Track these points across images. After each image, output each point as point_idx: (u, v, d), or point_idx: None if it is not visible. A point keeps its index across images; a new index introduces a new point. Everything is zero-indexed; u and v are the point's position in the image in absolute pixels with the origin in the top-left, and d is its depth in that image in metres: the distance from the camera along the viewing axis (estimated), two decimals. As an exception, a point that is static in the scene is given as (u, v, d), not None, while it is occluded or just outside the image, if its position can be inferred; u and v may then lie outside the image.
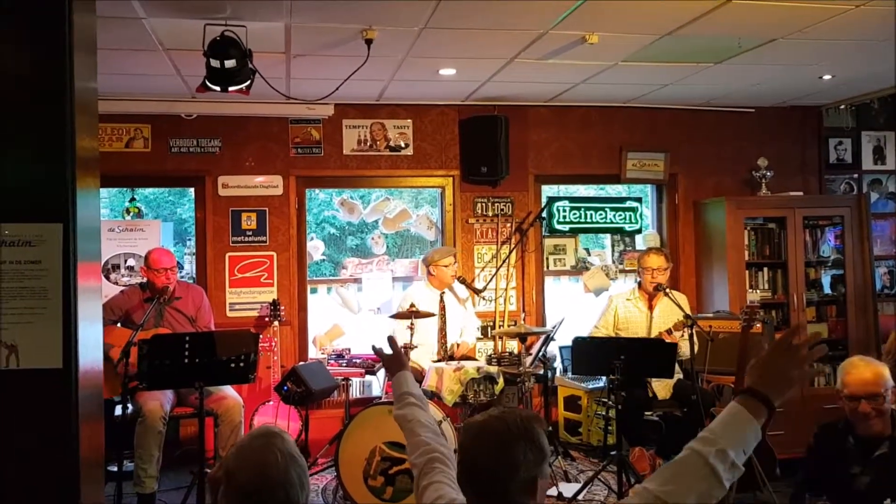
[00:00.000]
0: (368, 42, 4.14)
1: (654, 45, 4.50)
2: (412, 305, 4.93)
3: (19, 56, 1.94)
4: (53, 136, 1.92)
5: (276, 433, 1.82)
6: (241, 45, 3.74)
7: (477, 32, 4.22)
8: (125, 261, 5.69)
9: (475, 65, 4.94)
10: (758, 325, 4.88)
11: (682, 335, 4.90)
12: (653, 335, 5.12)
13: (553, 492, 4.64)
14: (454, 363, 4.90)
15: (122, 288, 5.25)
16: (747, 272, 6.02)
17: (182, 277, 5.09)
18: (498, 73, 5.12)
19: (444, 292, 5.53)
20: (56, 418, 1.89)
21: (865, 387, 3.00)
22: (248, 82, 3.86)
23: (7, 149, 1.92)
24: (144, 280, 4.95)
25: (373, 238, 6.42)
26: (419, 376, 5.03)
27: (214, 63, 3.72)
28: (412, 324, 4.80)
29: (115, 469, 4.27)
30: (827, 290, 6.27)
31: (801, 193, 6.31)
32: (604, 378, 5.23)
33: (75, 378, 1.88)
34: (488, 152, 5.94)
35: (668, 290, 5.10)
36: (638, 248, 6.61)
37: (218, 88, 3.84)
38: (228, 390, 4.77)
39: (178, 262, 5.03)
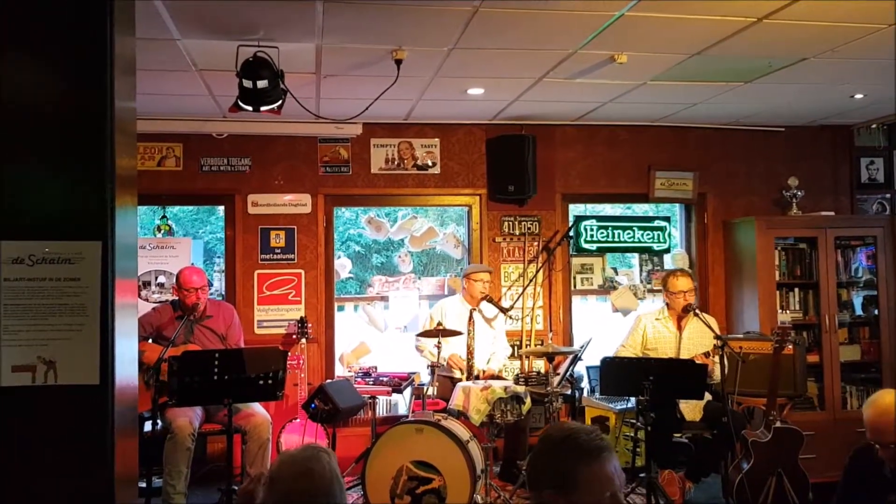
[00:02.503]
0: (398, 62, 4.18)
1: (683, 65, 4.50)
2: (439, 324, 4.92)
3: (61, 76, 1.98)
4: (94, 156, 1.96)
5: (325, 449, 1.86)
6: (274, 65, 3.79)
7: (505, 52, 4.24)
8: (156, 278, 5.76)
9: (503, 84, 4.96)
10: (789, 347, 4.82)
11: (714, 357, 4.83)
12: (682, 356, 5.06)
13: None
14: (481, 382, 4.88)
15: (154, 305, 5.31)
16: (778, 293, 5.94)
17: (211, 295, 5.15)
18: (526, 92, 5.13)
19: (474, 309, 5.52)
20: (92, 435, 1.91)
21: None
22: (280, 102, 3.91)
23: (48, 168, 1.95)
24: (176, 298, 5.00)
25: (399, 256, 6.44)
26: (450, 384, 4.99)
27: (247, 83, 3.78)
28: (439, 342, 4.79)
29: (144, 485, 4.31)
30: (858, 311, 6.17)
31: (832, 213, 6.23)
32: (632, 399, 5.18)
33: (112, 395, 1.90)
34: (515, 171, 5.95)
35: (697, 311, 5.04)
36: (666, 267, 6.55)
37: (250, 108, 3.89)
38: (257, 407, 4.80)
39: (208, 281, 5.08)
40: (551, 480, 1.76)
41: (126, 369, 2.01)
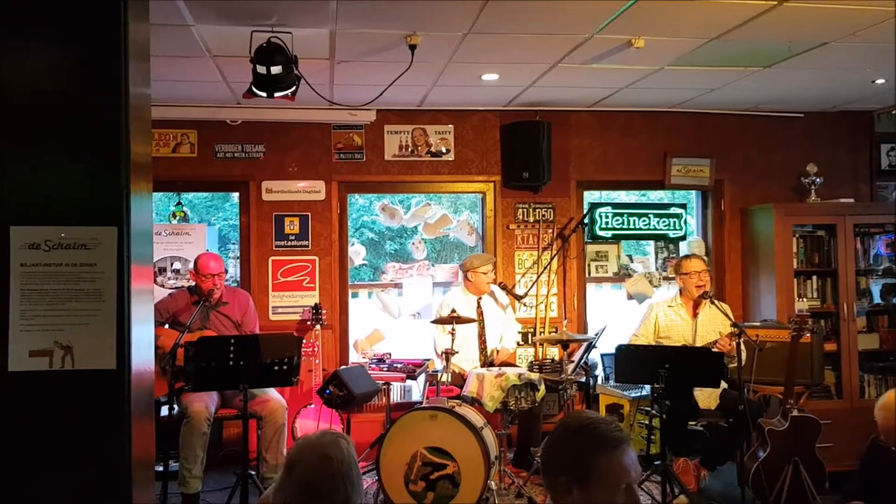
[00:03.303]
0: (412, 48, 4.15)
1: (701, 49, 4.44)
2: (453, 311, 4.92)
3: (75, 63, 1.97)
4: (108, 142, 1.95)
5: (344, 436, 1.86)
6: (288, 51, 3.78)
7: (521, 37, 4.20)
8: (171, 264, 5.79)
9: (518, 70, 4.92)
10: (807, 335, 4.78)
11: (732, 342, 4.79)
12: (697, 344, 5.03)
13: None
14: (495, 369, 4.88)
15: (170, 291, 5.34)
16: (795, 281, 5.89)
17: (226, 281, 5.16)
18: (541, 78, 5.09)
19: (480, 298, 5.51)
20: (109, 419, 1.91)
21: None
22: (294, 88, 3.90)
23: (63, 155, 1.95)
24: (192, 283, 5.02)
25: (413, 243, 6.44)
26: (461, 380, 5.02)
27: (261, 69, 3.77)
28: (453, 329, 4.79)
29: (161, 469, 4.34)
30: (877, 299, 6.10)
31: (851, 200, 6.15)
32: (646, 387, 5.16)
33: (128, 380, 1.91)
34: (530, 158, 5.92)
35: (713, 299, 5.00)
36: (682, 254, 6.50)
37: (264, 94, 3.88)
38: (272, 393, 4.82)
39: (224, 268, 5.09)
40: (566, 467, 1.76)
41: (142, 354, 2.01)
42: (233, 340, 4.26)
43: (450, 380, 4.87)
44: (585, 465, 1.74)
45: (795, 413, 4.52)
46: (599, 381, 5.99)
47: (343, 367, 5.32)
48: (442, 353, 4.86)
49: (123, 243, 1.93)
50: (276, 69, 3.73)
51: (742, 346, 4.74)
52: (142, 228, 2.05)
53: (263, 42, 3.76)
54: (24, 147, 1.93)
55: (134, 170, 1.98)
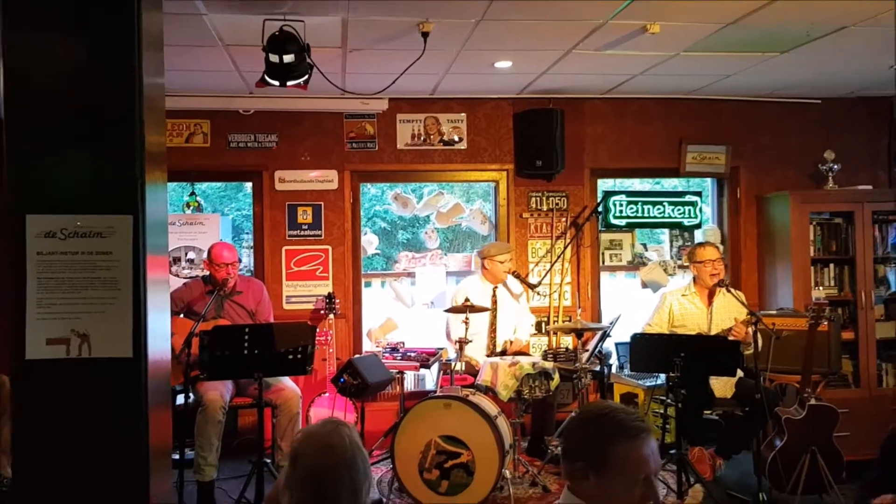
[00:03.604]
0: (425, 35, 4.12)
1: (717, 35, 4.38)
2: (467, 300, 4.91)
3: (89, 53, 1.97)
4: (123, 131, 1.96)
5: (344, 423, 1.85)
6: (300, 39, 3.76)
7: (534, 24, 4.17)
8: (185, 254, 5.80)
9: (531, 57, 4.89)
10: (824, 324, 4.74)
11: (746, 331, 4.76)
12: (713, 332, 4.99)
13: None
14: (509, 358, 4.87)
15: (185, 280, 5.35)
16: (812, 269, 5.83)
17: (240, 271, 5.18)
18: (554, 65, 5.05)
19: (496, 287, 5.50)
20: (126, 407, 1.92)
21: None
22: (306, 77, 3.89)
23: (78, 144, 1.95)
24: (206, 273, 5.04)
25: (426, 232, 6.42)
26: (474, 371, 5.02)
27: (273, 58, 3.76)
28: (467, 318, 4.78)
29: (177, 457, 4.37)
30: (894, 287, 6.04)
31: (869, 187, 6.08)
32: (661, 375, 5.13)
33: (145, 368, 1.91)
34: (543, 146, 5.88)
35: (729, 287, 4.97)
36: (697, 243, 6.45)
37: (277, 83, 3.87)
38: (287, 381, 4.83)
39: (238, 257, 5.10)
40: (584, 453, 1.75)
41: (159, 343, 2.02)
42: (247, 329, 4.28)
43: (464, 369, 4.86)
44: (602, 452, 1.73)
45: (813, 402, 4.48)
46: (613, 370, 5.96)
47: (357, 355, 5.33)
48: (456, 341, 4.86)
49: (139, 232, 1.94)
50: (288, 58, 3.72)
51: (758, 334, 4.71)
52: (157, 218, 2.06)
53: (276, 31, 3.75)
54: (39, 137, 1.94)
55: (149, 159, 1.98)
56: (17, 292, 1.90)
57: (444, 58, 4.80)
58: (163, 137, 2.27)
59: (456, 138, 6.03)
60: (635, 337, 4.73)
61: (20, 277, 1.91)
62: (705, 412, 5.01)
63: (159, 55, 2.17)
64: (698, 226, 6.44)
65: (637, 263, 6.39)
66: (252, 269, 6.00)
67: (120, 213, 1.94)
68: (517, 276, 5.52)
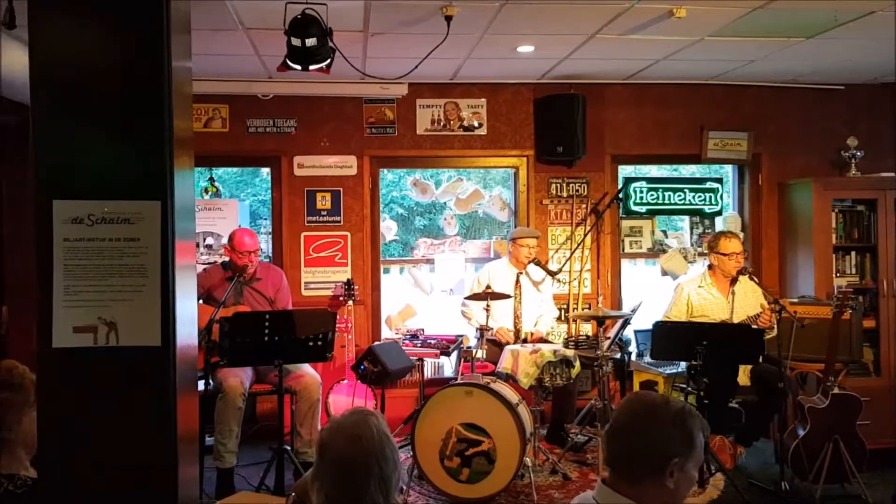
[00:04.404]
0: (448, 19, 4.07)
1: (744, 19, 4.30)
2: (488, 287, 4.88)
3: (119, 38, 1.94)
4: (152, 116, 1.93)
5: (372, 412, 1.83)
6: (322, 23, 3.72)
7: (559, 7, 4.10)
8: (203, 239, 5.80)
9: (554, 41, 4.82)
10: (847, 312, 4.68)
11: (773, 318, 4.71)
12: (736, 321, 4.94)
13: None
14: (529, 346, 4.84)
15: (204, 266, 5.35)
16: (833, 256, 5.76)
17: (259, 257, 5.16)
18: (577, 49, 4.98)
19: (521, 273, 5.46)
20: (154, 396, 1.91)
21: None
22: (329, 61, 3.85)
23: (107, 129, 1.93)
24: (226, 259, 5.02)
25: (445, 219, 6.39)
26: (498, 353, 4.97)
27: (295, 42, 3.72)
28: (487, 305, 4.75)
29: (197, 443, 4.37)
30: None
31: (893, 174, 5.98)
32: (682, 363, 5.09)
33: (173, 357, 1.89)
34: (564, 132, 5.82)
35: (752, 274, 4.91)
36: (718, 230, 6.39)
37: (299, 67, 3.83)
38: (307, 368, 4.83)
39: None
40: (678, 447, 1.74)
41: (187, 330, 2.00)
42: (268, 316, 4.26)
43: (485, 356, 4.84)
44: (693, 442, 1.76)
45: (836, 390, 4.43)
46: (633, 357, 5.93)
47: (377, 342, 5.32)
48: (477, 329, 4.83)
49: (168, 218, 1.91)
50: (310, 41, 3.68)
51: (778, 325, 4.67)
52: (185, 204, 2.03)
53: (298, 14, 3.70)
54: (65, 122, 1.91)
55: (177, 145, 1.95)
56: (44, 279, 1.88)
57: (466, 42, 4.75)
58: (190, 122, 2.25)
59: (476, 124, 5.98)
60: (658, 325, 4.69)
61: (47, 264, 1.89)
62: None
63: (187, 38, 2.14)
64: (719, 213, 6.38)
65: (657, 251, 6.34)
66: (270, 255, 5.99)
67: (148, 199, 1.91)
68: (538, 263, 5.49)
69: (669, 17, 4.18)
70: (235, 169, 10.96)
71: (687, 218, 6.54)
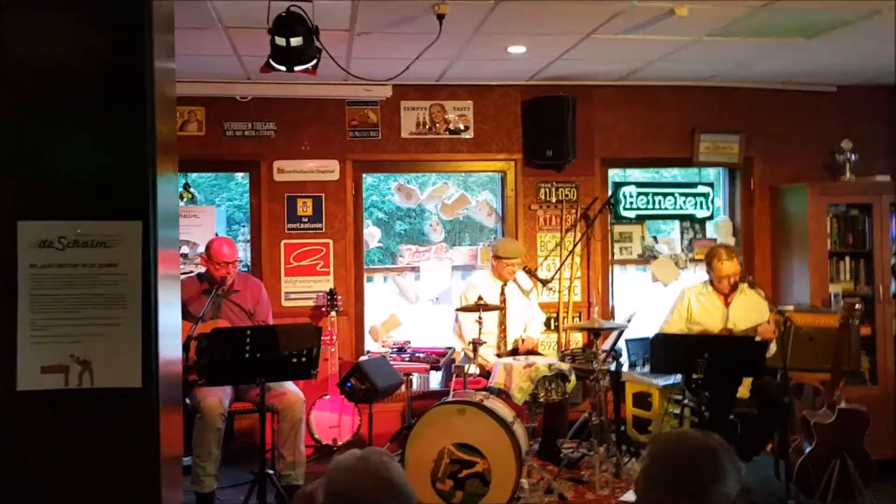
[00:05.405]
0: (440, 17, 3.86)
1: (746, 18, 4.14)
2: (480, 298, 4.67)
3: (96, 34, 1.69)
4: (131, 123, 1.68)
5: (385, 452, 1.64)
6: (309, 21, 3.48)
7: (556, 4, 3.91)
8: (179, 248, 5.50)
9: (547, 41, 4.63)
10: (856, 322, 4.56)
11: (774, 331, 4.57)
12: (732, 329, 4.80)
13: (630, 497, 4.37)
14: (523, 359, 4.64)
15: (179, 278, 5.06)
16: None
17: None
18: (570, 50, 4.80)
19: (505, 284, 5.27)
20: (135, 446, 1.66)
21: None
22: (315, 62, 3.61)
23: (81, 136, 1.68)
24: (203, 270, 4.75)
25: (430, 225, 6.15)
26: (486, 371, 4.78)
27: (280, 41, 3.48)
28: (480, 317, 4.54)
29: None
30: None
31: (888, 178, 5.88)
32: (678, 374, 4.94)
33: (156, 398, 1.65)
34: (554, 135, 5.63)
35: (752, 282, 4.77)
36: (709, 236, 6.25)
37: (283, 68, 3.59)
38: (289, 385, 4.57)
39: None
40: (736, 482, 1.65)
41: (172, 368, 1.75)
42: (249, 332, 4.01)
43: (478, 371, 4.63)
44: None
45: (843, 405, 4.29)
46: (625, 368, 5.76)
47: (364, 358, 5.08)
48: (469, 342, 4.63)
49: (150, 240, 1.66)
50: (296, 41, 3.44)
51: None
52: (169, 223, 1.78)
53: (282, 11, 3.46)
54: (35, 126, 1.65)
55: (161, 151, 1.70)
56: (7, 312, 1.62)
57: (455, 42, 4.53)
58: (174, 126, 2.00)
59: (462, 127, 5.76)
60: (657, 337, 4.54)
61: (10, 295, 1.63)
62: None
63: (170, 37, 1.89)
64: (710, 217, 6.24)
65: (647, 257, 6.18)
66: (249, 264, 5.71)
67: (128, 218, 1.66)
68: (528, 272, 5.29)
69: (670, 16, 4.01)
70: (210, 173, 10.65)
71: (677, 223, 6.39)
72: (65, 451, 1.65)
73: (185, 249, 5.50)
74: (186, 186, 5.63)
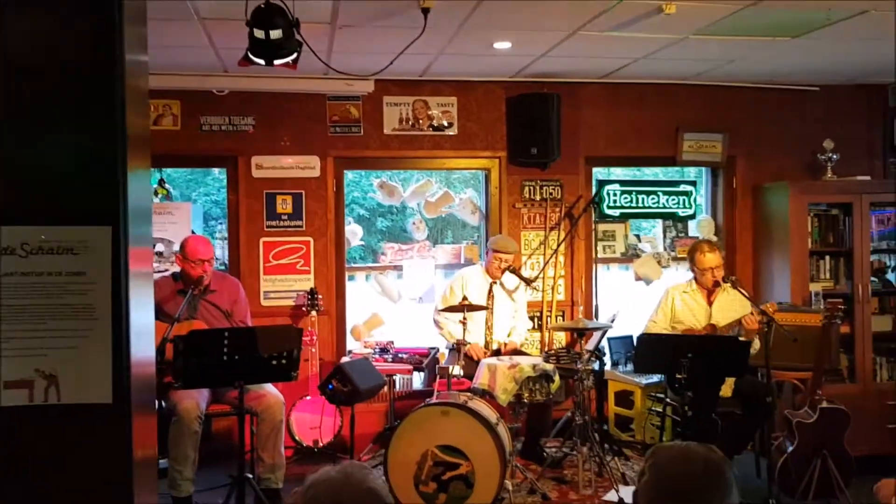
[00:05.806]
0: (425, 11, 3.76)
1: (734, 16, 4.10)
2: (464, 298, 4.60)
3: (65, 27, 1.58)
4: (100, 119, 1.57)
5: (363, 465, 1.56)
6: (289, 13, 3.37)
7: (542, 2, 3.83)
8: (153, 246, 5.37)
9: (533, 37, 4.56)
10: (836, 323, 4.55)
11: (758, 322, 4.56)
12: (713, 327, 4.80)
13: (613, 497, 4.34)
14: (507, 360, 4.58)
15: (154, 277, 4.93)
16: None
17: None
18: (556, 46, 4.73)
19: (494, 283, 5.21)
20: (105, 465, 1.56)
21: None
22: (295, 55, 3.50)
23: (45, 133, 1.57)
24: (178, 269, 4.63)
25: (413, 223, 6.06)
26: (472, 369, 4.71)
27: (259, 34, 3.36)
28: (464, 318, 4.47)
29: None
30: (891, 279, 5.88)
31: (868, 178, 5.89)
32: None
33: (128, 415, 1.55)
34: (539, 133, 5.57)
35: (734, 282, 4.75)
36: (691, 234, 6.23)
37: (262, 62, 3.47)
38: (268, 387, 4.47)
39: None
40: (738, 493, 1.60)
41: (145, 382, 1.65)
42: (227, 333, 3.90)
43: (462, 373, 4.56)
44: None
45: (825, 404, 4.29)
46: (607, 367, 5.72)
47: (346, 359, 4.99)
48: (454, 343, 4.56)
49: (120, 246, 1.56)
50: (275, 33, 3.33)
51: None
52: (142, 227, 1.68)
53: (262, 3, 3.35)
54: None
55: (132, 146, 1.59)
56: (-33, 323, 1.52)
57: (440, 37, 4.45)
58: (147, 121, 1.89)
59: (446, 123, 5.68)
60: (641, 338, 4.50)
61: (-30, 304, 1.53)
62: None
63: (143, 29, 1.79)
64: (693, 216, 6.22)
65: (630, 255, 6.14)
66: (227, 262, 5.59)
67: (96, 223, 1.56)
68: (513, 271, 5.23)
69: (658, 14, 3.95)
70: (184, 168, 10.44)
71: (660, 221, 6.36)
72: (32, 468, 1.55)
73: (159, 248, 5.37)
74: (161, 182, 5.48)
